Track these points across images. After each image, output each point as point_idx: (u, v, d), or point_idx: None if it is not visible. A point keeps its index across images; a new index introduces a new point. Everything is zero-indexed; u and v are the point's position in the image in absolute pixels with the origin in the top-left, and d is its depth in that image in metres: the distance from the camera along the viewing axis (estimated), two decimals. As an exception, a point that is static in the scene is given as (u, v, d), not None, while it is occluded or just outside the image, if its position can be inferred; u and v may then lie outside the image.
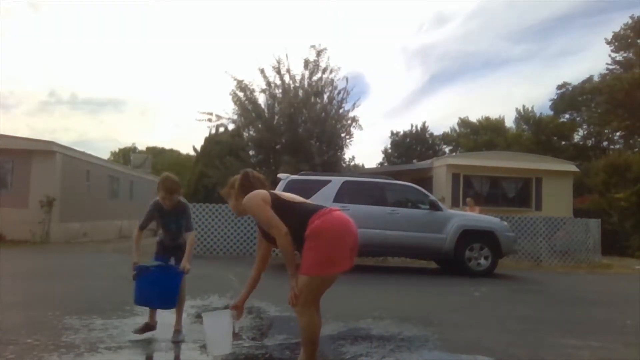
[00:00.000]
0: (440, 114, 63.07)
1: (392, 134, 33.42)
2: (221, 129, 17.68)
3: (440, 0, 60.09)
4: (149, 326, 3.83)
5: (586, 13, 53.65)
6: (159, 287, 3.68)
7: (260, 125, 15.94)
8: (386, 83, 63.86)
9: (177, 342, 3.71)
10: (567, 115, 34.20)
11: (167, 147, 46.79)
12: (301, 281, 2.80)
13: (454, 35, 58.61)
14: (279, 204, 2.85)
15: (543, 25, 53.99)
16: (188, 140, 75.12)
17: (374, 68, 62.79)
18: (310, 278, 2.77)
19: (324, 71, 16.13)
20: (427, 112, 60.95)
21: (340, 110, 16.50)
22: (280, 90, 15.96)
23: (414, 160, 28.03)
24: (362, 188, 9.53)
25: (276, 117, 15.94)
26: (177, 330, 3.81)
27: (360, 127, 16.84)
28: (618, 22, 31.13)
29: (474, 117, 36.50)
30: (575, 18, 54.69)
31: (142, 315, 4.29)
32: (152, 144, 48.05)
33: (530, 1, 53.26)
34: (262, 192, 2.91)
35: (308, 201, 3.00)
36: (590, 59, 52.02)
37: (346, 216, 2.84)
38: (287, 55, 15.94)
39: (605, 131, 31.43)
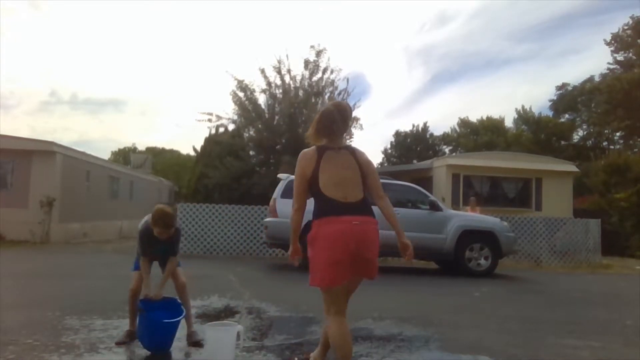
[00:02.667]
0: (441, 114, 63.17)
1: (397, 133, 33.42)
2: (221, 129, 17.72)
3: (442, 0, 60.10)
4: (132, 334, 3.70)
5: (588, 12, 53.73)
6: (155, 331, 3.48)
7: (260, 126, 15.96)
8: (387, 83, 63.94)
9: (197, 343, 3.60)
10: (566, 116, 34.21)
11: (167, 147, 46.84)
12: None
13: (455, 35, 58.71)
14: (313, 178, 2.76)
15: (545, 25, 54.10)
16: (188, 140, 75.25)
17: (375, 68, 62.88)
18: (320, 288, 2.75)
19: (324, 71, 16.19)
20: (428, 112, 61.12)
21: (341, 111, 16.51)
22: (281, 91, 15.98)
23: (414, 161, 28.03)
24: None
25: (276, 117, 15.96)
26: (193, 332, 3.72)
27: (361, 127, 16.89)
28: (621, 21, 31.11)
29: (475, 117, 36.50)
30: (577, 17, 54.78)
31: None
32: (152, 144, 48.10)
33: (532, 1, 53.35)
34: (304, 157, 2.81)
35: (337, 198, 2.73)
36: (593, 59, 52.15)
37: (348, 229, 2.66)
38: (287, 56, 16.00)
39: (605, 131, 31.43)
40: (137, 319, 3.56)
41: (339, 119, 2.81)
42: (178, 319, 3.53)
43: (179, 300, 3.70)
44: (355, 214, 2.71)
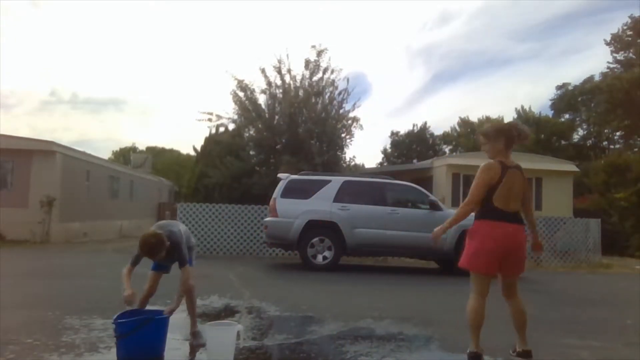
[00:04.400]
0: (442, 114, 63.16)
1: (392, 133, 33.43)
2: (221, 129, 17.72)
3: (444, -1, 60.01)
4: None
5: (589, 12, 53.70)
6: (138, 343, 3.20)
7: (260, 125, 15.96)
8: (388, 82, 63.92)
9: (198, 346, 3.55)
10: (566, 115, 34.20)
11: (167, 147, 46.71)
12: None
13: (457, 34, 58.65)
14: (492, 189, 3.30)
15: (546, 25, 54.02)
16: (188, 140, 75.08)
17: (376, 67, 62.87)
18: (467, 269, 3.47)
19: (324, 71, 16.17)
20: (429, 111, 60.99)
21: (341, 111, 16.53)
22: (281, 90, 15.97)
23: (414, 160, 28.04)
24: (362, 188, 9.52)
25: (276, 117, 15.96)
26: (196, 332, 3.69)
27: (361, 127, 16.88)
28: (621, 21, 31.07)
29: (477, 117, 36.45)
30: (579, 17, 54.73)
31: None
32: (152, 143, 48.02)
33: (534, 0, 53.26)
34: (492, 170, 3.29)
35: (502, 208, 3.32)
36: (594, 58, 52.11)
37: (502, 233, 3.31)
38: (287, 55, 15.98)
39: (605, 131, 31.42)
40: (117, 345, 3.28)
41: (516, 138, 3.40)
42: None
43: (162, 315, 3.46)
44: (511, 222, 3.32)
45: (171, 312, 3.42)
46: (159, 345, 3.32)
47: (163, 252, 3.44)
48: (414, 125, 33.17)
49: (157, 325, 3.30)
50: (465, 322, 3.40)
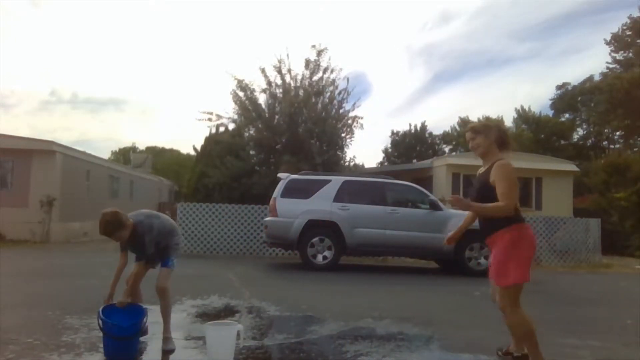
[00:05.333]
0: (443, 113, 63.12)
1: (393, 133, 33.41)
2: (221, 129, 17.71)
3: (445, -1, 59.93)
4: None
5: (590, 11, 53.64)
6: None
7: (260, 125, 15.95)
8: (389, 82, 63.82)
9: (168, 351, 3.46)
10: (567, 115, 34.20)
11: (167, 147, 46.70)
12: (501, 291, 3.10)
13: (458, 33, 58.59)
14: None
15: (547, 24, 53.94)
16: (188, 140, 75.00)
17: (376, 67, 62.81)
18: (509, 287, 3.04)
19: (324, 71, 16.17)
20: (430, 111, 60.87)
21: (341, 110, 16.54)
22: (281, 90, 15.97)
23: (414, 160, 28.02)
24: (362, 188, 9.53)
25: (276, 116, 15.95)
26: (167, 338, 3.55)
27: (361, 127, 16.88)
28: (622, 21, 31.06)
29: (477, 116, 36.36)
30: (580, 16, 54.68)
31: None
32: (152, 143, 48.03)
33: (534, 0, 53.21)
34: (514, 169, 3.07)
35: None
36: (594, 58, 52.12)
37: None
38: (288, 55, 15.98)
39: (605, 131, 31.42)
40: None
41: None
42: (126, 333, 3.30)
43: (143, 307, 3.51)
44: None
45: (121, 303, 3.42)
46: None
47: (121, 233, 3.36)
48: (410, 125, 33.12)
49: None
50: (525, 337, 3.17)
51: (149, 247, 3.48)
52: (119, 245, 3.55)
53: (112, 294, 3.51)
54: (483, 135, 3.14)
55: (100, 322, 3.24)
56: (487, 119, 35.47)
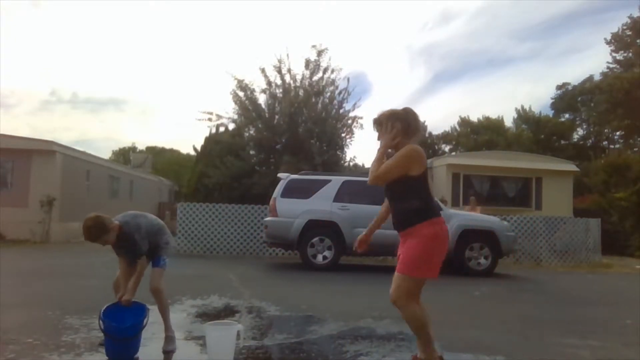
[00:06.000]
0: (443, 113, 62.99)
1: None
2: (221, 129, 17.72)
3: (446, -1, 59.89)
4: None
5: (591, 11, 53.60)
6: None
7: (260, 125, 15.96)
8: (389, 82, 63.73)
9: (168, 352, 3.43)
10: (566, 115, 34.21)
11: (167, 147, 46.69)
12: (401, 278, 2.87)
13: (458, 33, 58.55)
14: (423, 177, 2.92)
15: (547, 24, 53.93)
16: (188, 140, 74.98)
17: (377, 67, 62.76)
18: (410, 277, 2.85)
19: (324, 71, 16.18)
20: (430, 111, 60.86)
21: (341, 110, 16.55)
22: (281, 90, 15.98)
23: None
24: (362, 188, 9.50)
25: (276, 116, 15.96)
26: (168, 337, 3.54)
27: (361, 127, 16.88)
28: (623, 20, 31.08)
29: (478, 116, 36.39)
30: (580, 16, 54.65)
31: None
32: (152, 143, 48.03)
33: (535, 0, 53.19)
34: (422, 155, 2.91)
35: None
36: (595, 58, 51.99)
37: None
38: (288, 55, 15.99)
39: (605, 130, 31.43)
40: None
41: None
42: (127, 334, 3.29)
43: (145, 306, 3.48)
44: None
45: (127, 302, 3.39)
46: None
47: (107, 236, 3.31)
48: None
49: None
50: (419, 331, 2.89)
51: (142, 244, 3.45)
52: (115, 252, 3.52)
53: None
54: (388, 125, 2.95)
55: (101, 323, 3.24)
56: (487, 119, 35.53)
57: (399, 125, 2.94)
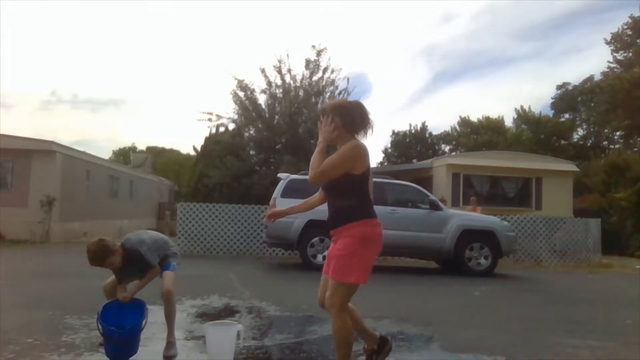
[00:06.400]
0: (443, 113, 63.06)
1: (393, 133, 33.43)
2: (221, 129, 17.72)
3: (447, -1, 59.88)
4: None
5: (592, 11, 53.62)
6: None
7: (260, 125, 15.97)
8: (390, 82, 63.77)
9: (169, 357, 3.40)
10: (566, 115, 34.22)
11: (167, 147, 46.70)
12: (336, 285, 2.67)
13: (459, 33, 58.52)
14: (364, 176, 2.72)
15: (549, 24, 53.95)
16: (188, 140, 75.00)
17: (377, 67, 62.73)
18: (345, 284, 2.66)
19: (324, 71, 16.18)
20: (431, 111, 60.85)
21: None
22: (281, 90, 15.99)
23: (414, 160, 28.02)
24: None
25: (276, 116, 15.96)
26: (170, 343, 3.50)
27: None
28: (623, 20, 31.09)
29: (478, 116, 36.41)
30: (582, 16, 54.68)
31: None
32: (152, 143, 48.00)
33: (536, -1, 53.19)
34: (366, 153, 2.73)
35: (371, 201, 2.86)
36: (596, 57, 52.12)
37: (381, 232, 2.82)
38: (288, 55, 15.99)
39: (605, 131, 31.43)
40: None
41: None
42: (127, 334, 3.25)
43: (144, 304, 3.44)
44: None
45: (124, 298, 3.37)
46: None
47: (112, 259, 3.27)
48: (411, 125, 33.12)
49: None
50: (341, 345, 2.66)
51: (151, 257, 3.42)
52: (115, 277, 3.44)
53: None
54: (330, 119, 2.76)
55: (100, 327, 3.22)
56: (488, 119, 35.54)
57: (338, 120, 2.73)
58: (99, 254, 3.23)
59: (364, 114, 2.80)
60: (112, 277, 3.52)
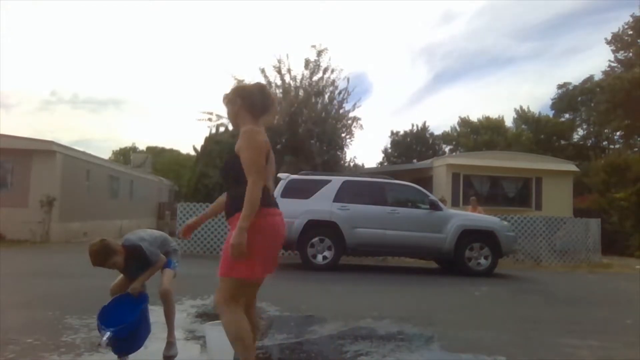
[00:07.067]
0: (443, 113, 63.03)
1: (392, 133, 33.43)
2: (221, 129, 17.71)
3: (447, -1, 59.85)
4: None
5: (592, 11, 53.59)
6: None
7: (260, 125, 15.97)
8: (390, 82, 63.67)
9: (169, 357, 3.39)
10: (566, 115, 34.22)
11: (167, 147, 46.68)
12: (221, 280, 2.51)
13: (460, 33, 58.47)
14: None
15: (549, 24, 53.92)
16: (188, 140, 74.96)
17: (377, 67, 62.62)
18: (229, 278, 2.49)
19: (324, 71, 16.18)
20: (431, 111, 60.81)
21: (341, 110, 16.55)
22: (281, 90, 15.99)
23: (414, 160, 28.01)
24: (362, 188, 9.53)
25: (276, 117, 15.96)
26: (170, 343, 3.50)
27: (361, 127, 16.89)
28: (624, 20, 31.14)
29: (478, 116, 36.42)
30: (582, 16, 54.68)
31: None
32: (152, 143, 47.99)
33: (537, -1, 53.17)
34: (263, 134, 2.55)
35: (270, 189, 2.63)
36: (596, 57, 52.09)
37: (282, 223, 2.61)
38: (287, 55, 16.00)
39: (605, 131, 31.43)
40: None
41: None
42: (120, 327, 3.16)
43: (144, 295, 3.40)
44: (277, 207, 2.63)
45: (134, 290, 3.32)
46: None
47: (115, 259, 3.25)
48: (413, 125, 33.13)
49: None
50: (236, 342, 2.52)
51: (152, 252, 3.39)
52: (123, 277, 3.44)
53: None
54: (230, 102, 2.67)
55: (100, 330, 3.17)
56: (488, 119, 35.54)
57: (239, 102, 2.61)
58: (101, 255, 3.21)
59: (266, 98, 2.67)
60: (119, 278, 3.50)
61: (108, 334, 3.09)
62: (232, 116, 2.69)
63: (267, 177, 2.56)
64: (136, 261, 3.36)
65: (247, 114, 2.62)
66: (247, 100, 2.63)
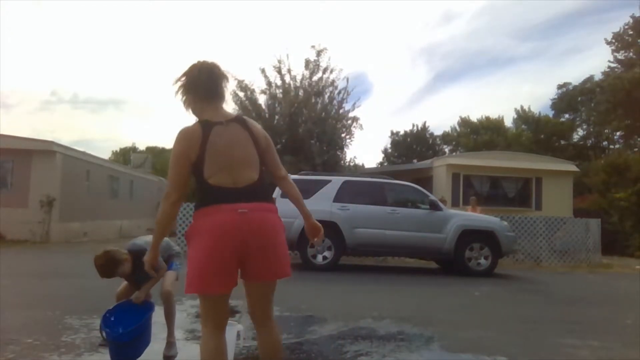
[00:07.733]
0: (443, 113, 63.08)
1: (392, 133, 33.44)
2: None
3: (447, -1, 59.87)
4: None
5: (593, 11, 53.61)
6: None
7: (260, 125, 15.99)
8: (390, 82, 63.74)
9: (169, 357, 3.39)
10: (566, 115, 34.23)
11: (167, 147, 46.66)
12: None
13: (460, 33, 58.53)
14: (200, 159, 2.16)
15: (549, 24, 53.97)
16: (188, 139, 74.76)
17: (377, 67, 62.69)
18: (200, 297, 2.20)
19: (324, 71, 16.20)
20: (430, 111, 60.88)
21: (341, 110, 16.56)
22: (281, 90, 16.00)
23: (414, 160, 28.03)
24: (362, 188, 9.53)
25: (276, 117, 15.97)
26: (170, 342, 3.50)
27: (361, 127, 16.90)
28: (624, 20, 31.15)
29: (478, 116, 36.43)
30: (582, 16, 54.70)
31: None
32: (152, 143, 47.99)
33: (537, -1, 53.18)
34: (187, 135, 2.20)
35: (224, 185, 2.14)
36: (596, 57, 52.11)
37: (232, 219, 2.08)
38: (287, 55, 16.02)
39: (605, 131, 31.45)
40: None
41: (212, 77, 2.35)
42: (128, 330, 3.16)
43: (150, 304, 3.39)
44: (243, 201, 2.11)
45: (137, 299, 3.31)
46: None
47: (122, 268, 3.24)
48: (413, 125, 33.15)
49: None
50: None
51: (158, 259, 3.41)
52: (128, 283, 3.44)
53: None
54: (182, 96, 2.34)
55: (104, 333, 3.17)
56: (488, 119, 35.53)
57: (184, 80, 2.30)
58: (107, 267, 3.21)
59: (202, 74, 2.35)
60: (124, 284, 3.51)
61: (108, 330, 3.11)
62: (185, 107, 2.36)
63: (230, 165, 2.15)
64: (142, 268, 3.35)
65: (193, 98, 2.30)
66: (187, 78, 2.32)
